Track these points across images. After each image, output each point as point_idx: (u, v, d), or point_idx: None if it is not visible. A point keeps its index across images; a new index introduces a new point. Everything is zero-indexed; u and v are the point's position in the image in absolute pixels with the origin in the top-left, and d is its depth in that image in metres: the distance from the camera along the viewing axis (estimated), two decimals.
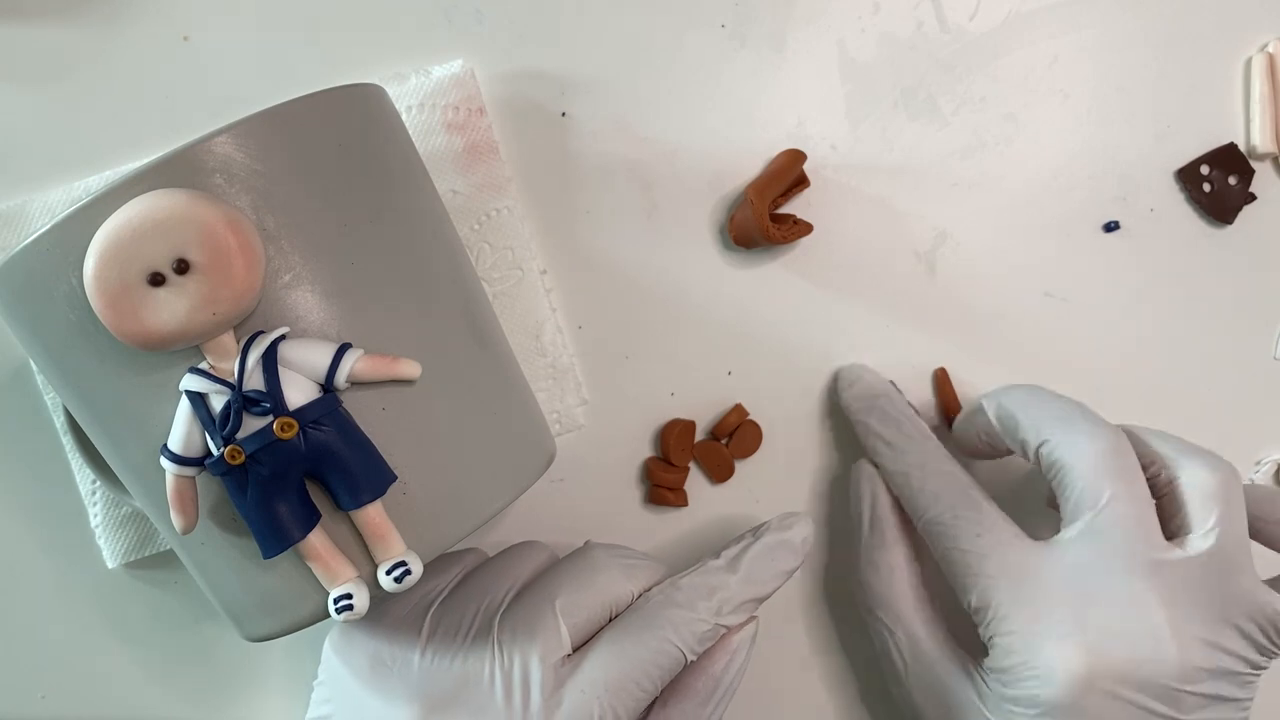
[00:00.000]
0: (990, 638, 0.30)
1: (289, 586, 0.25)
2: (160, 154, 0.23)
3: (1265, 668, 0.30)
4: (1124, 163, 0.37)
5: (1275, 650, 0.30)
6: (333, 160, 0.25)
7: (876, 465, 0.34)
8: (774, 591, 0.31)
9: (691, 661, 0.30)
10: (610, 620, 0.30)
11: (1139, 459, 0.31)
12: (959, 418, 0.35)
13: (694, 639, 0.29)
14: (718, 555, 0.31)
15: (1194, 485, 0.30)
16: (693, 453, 0.36)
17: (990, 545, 0.31)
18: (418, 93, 0.34)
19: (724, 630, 0.30)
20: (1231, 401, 0.38)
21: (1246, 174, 0.37)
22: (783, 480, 0.37)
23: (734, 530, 0.33)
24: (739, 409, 0.36)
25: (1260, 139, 0.37)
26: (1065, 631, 0.29)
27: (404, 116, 0.32)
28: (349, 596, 0.25)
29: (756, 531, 0.32)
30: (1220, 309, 0.38)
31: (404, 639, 0.30)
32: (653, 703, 0.30)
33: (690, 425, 0.36)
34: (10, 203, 0.34)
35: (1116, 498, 0.29)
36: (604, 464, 0.36)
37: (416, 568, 0.25)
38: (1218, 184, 0.37)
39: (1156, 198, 0.37)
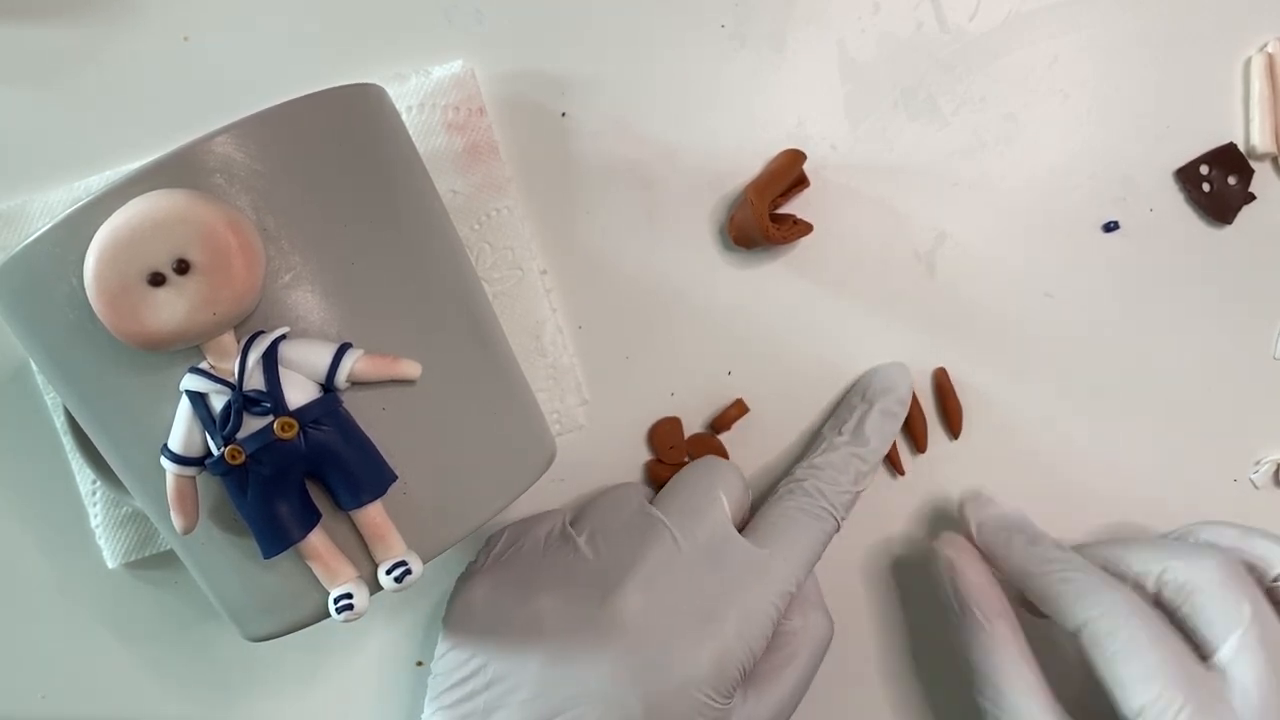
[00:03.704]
0: None
1: (289, 586, 0.25)
2: (160, 154, 0.23)
3: None
4: (1124, 163, 0.37)
5: None
6: (333, 160, 0.25)
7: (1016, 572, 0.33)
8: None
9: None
10: (750, 513, 0.34)
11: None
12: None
13: (843, 509, 0.33)
14: (840, 431, 0.34)
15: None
16: (685, 448, 0.36)
17: (1167, 655, 0.30)
18: (418, 93, 0.34)
19: (858, 494, 0.33)
20: (1231, 401, 0.38)
21: (1246, 174, 0.37)
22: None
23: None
24: (739, 403, 0.36)
25: (1260, 139, 0.37)
26: None
27: (404, 116, 0.32)
28: (349, 596, 0.25)
29: (864, 397, 0.35)
30: (1220, 309, 0.37)
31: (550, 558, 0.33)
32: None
33: (676, 421, 0.36)
34: (10, 203, 0.34)
35: (1258, 612, 0.30)
36: (604, 464, 0.36)
37: (417, 567, 0.25)
38: (1217, 184, 0.37)
39: (1156, 198, 0.37)
